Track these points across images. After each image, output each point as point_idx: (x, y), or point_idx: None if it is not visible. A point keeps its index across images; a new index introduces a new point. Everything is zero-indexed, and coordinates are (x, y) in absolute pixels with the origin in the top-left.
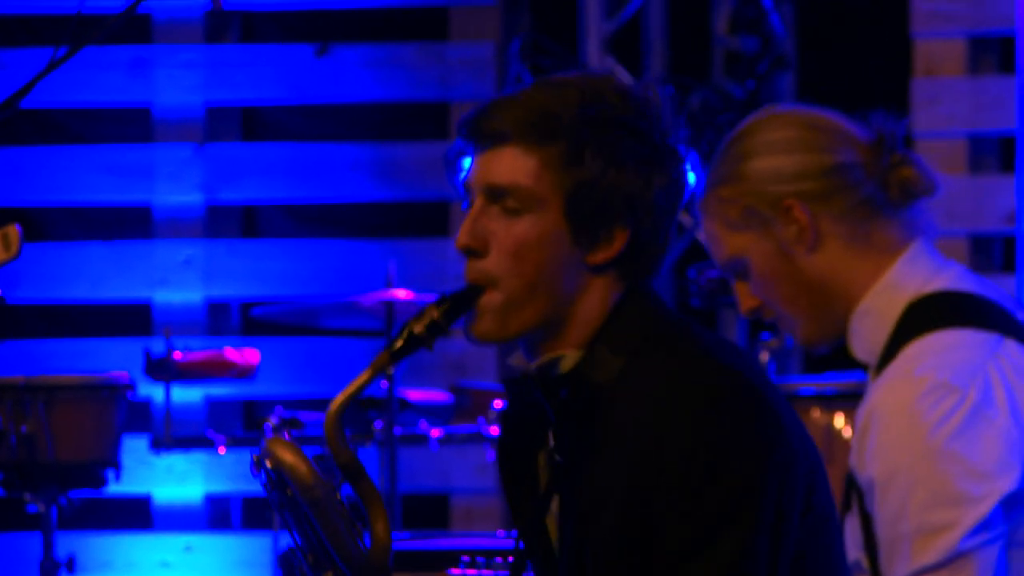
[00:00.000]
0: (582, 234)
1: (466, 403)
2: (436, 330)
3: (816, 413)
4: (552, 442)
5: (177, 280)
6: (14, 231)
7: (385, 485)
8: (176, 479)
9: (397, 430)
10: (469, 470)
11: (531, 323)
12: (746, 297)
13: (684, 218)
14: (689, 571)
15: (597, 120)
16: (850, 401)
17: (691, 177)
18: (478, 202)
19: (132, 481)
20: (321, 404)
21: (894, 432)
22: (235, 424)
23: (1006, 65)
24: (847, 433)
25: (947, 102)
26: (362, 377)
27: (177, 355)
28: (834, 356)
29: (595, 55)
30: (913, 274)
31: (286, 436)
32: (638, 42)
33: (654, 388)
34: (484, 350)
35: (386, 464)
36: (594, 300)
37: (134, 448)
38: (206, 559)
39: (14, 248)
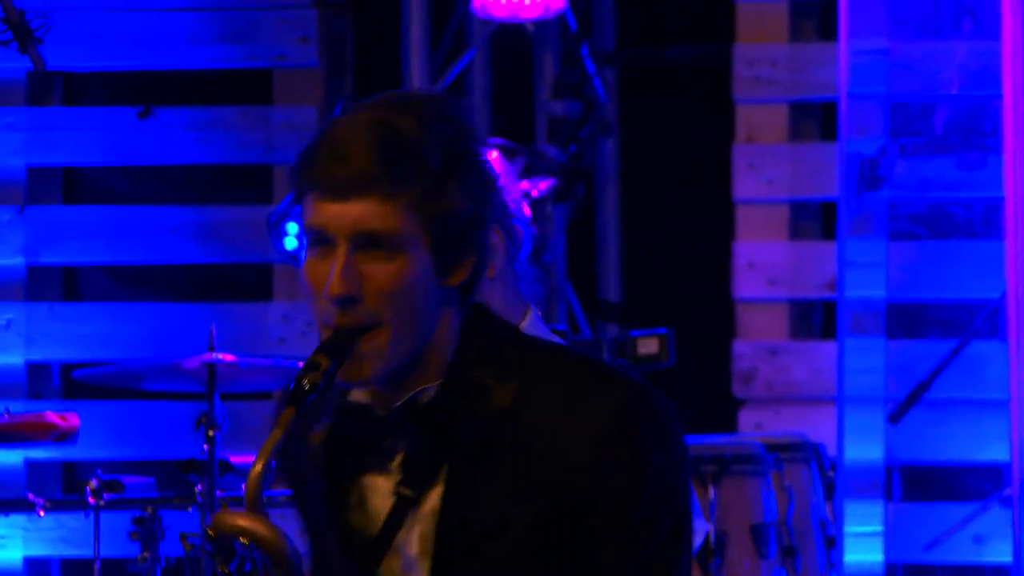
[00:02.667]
0: (444, 263)
1: None
2: (330, 378)
3: None
4: (401, 475)
5: None
6: None
7: (207, 548)
8: None
9: (218, 493)
10: (290, 533)
11: (407, 359)
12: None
13: None
14: None
15: (449, 149)
16: None
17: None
18: (343, 248)
19: None
20: (142, 467)
21: None
22: (55, 487)
23: (827, 132)
24: None
25: (768, 168)
26: (273, 437)
27: None
28: None
29: None
30: (542, 328)
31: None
32: None
33: (569, 408)
34: None
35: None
36: (447, 325)
37: None
38: None
39: None
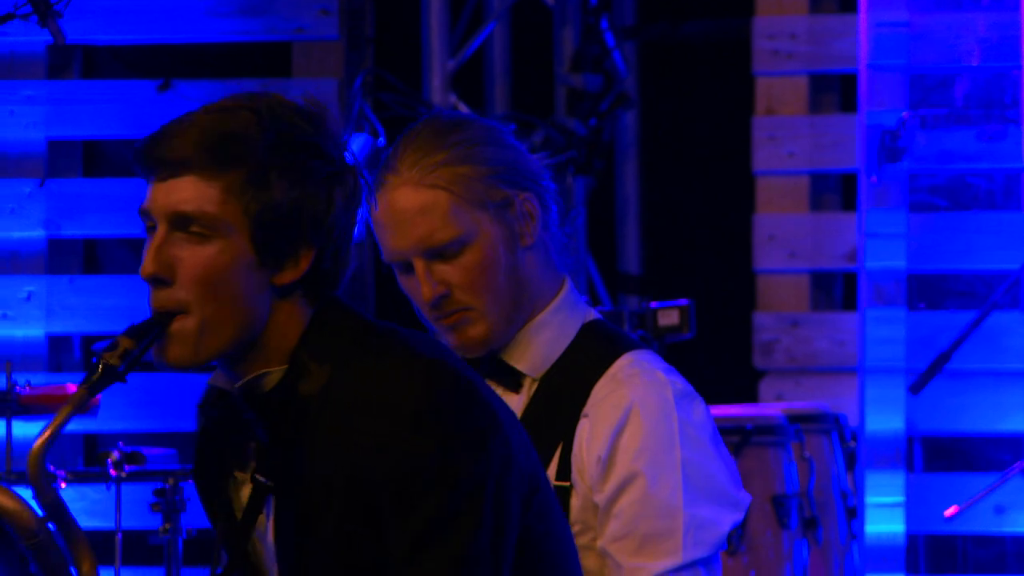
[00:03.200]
0: (268, 257)
1: None
2: (131, 360)
3: None
4: (255, 462)
5: (18, 315)
6: None
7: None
8: None
9: None
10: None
11: (222, 347)
12: (435, 283)
13: None
14: (413, 572)
15: (279, 141)
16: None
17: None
18: (161, 229)
19: None
20: (163, 439)
21: (662, 430)
22: (76, 459)
23: (847, 104)
24: None
25: (788, 140)
26: (62, 414)
27: (18, 390)
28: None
29: (438, 92)
30: (579, 299)
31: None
32: (481, 79)
33: (367, 390)
34: None
35: None
36: (286, 320)
37: None
38: None
39: None
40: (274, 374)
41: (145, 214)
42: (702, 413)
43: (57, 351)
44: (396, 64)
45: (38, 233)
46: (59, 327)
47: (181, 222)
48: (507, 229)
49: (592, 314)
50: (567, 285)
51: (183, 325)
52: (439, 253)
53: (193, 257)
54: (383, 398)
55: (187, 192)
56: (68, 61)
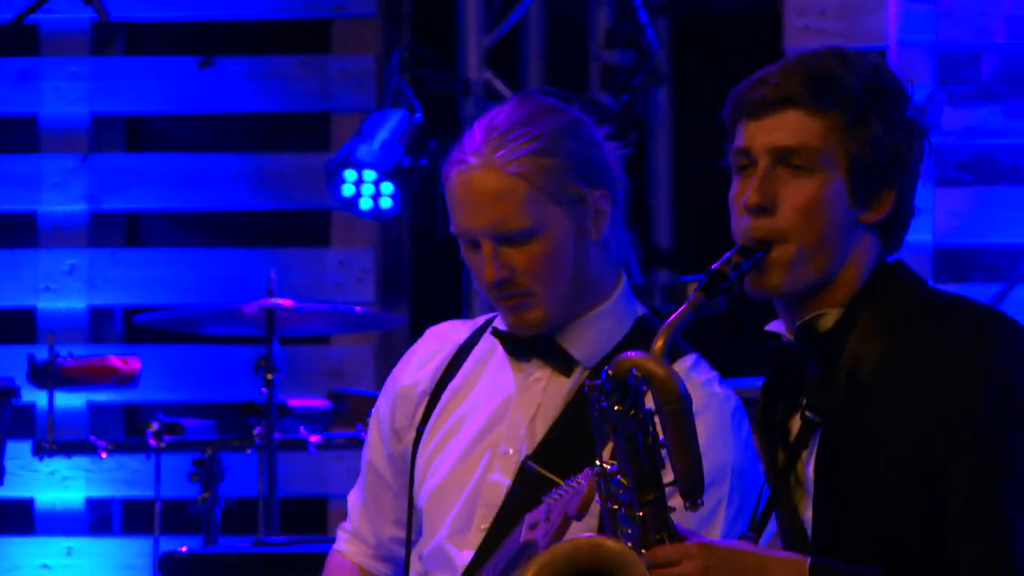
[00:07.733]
0: (860, 195)
1: (344, 409)
2: (740, 273)
3: None
4: (805, 400)
5: (61, 287)
6: None
7: (264, 490)
8: (58, 483)
9: (276, 435)
10: (347, 475)
11: (814, 277)
12: (499, 266)
13: None
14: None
15: (875, 85)
16: None
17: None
18: (763, 163)
19: (15, 486)
20: (202, 410)
21: (717, 440)
22: (117, 430)
23: None
24: None
25: None
26: (680, 312)
27: (60, 361)
28: None
29: (474, 68)
30: (629, 297)
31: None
32: (517, 55)
33: (931, 356)
34: (361, 357)
35: (265, 469)
36: (860, 260)
37: (17, 453)
38: (87, 562)
39: None
40: (830, 316)
41: (743, 152)
42: (747, 427)
43: (98, 323)
44: (433, 40)
45: (80, 207)
46: (100, 299)
47: (784, 155)
48: (578, 224)
49: (641, 308)
50: (624, 278)
51: (782, 253)
52: (508, 239)
53: (795, 190)
54: (949, 371)
55: (790, 125)
56: (112, 38)
